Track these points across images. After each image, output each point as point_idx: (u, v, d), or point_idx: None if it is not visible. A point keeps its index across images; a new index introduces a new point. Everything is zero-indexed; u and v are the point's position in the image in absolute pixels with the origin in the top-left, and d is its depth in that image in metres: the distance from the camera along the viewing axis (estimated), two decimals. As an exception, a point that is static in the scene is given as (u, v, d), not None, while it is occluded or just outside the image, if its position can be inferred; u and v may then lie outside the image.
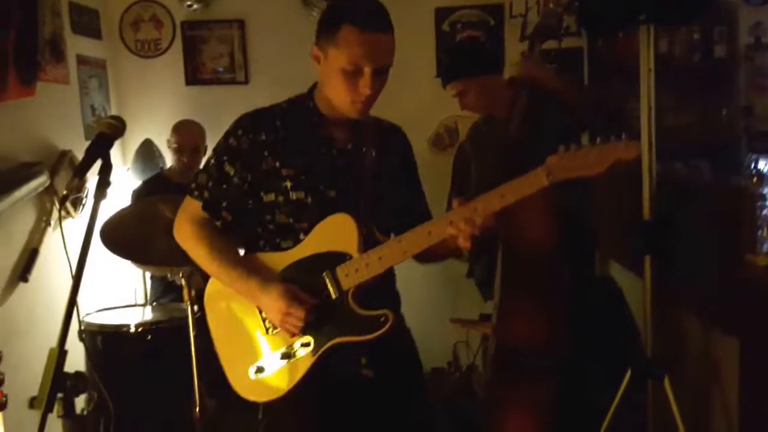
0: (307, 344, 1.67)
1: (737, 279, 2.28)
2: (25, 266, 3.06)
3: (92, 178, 1.57)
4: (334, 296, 1.67)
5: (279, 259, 1.74)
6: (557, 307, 2.46)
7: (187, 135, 3.48)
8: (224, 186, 1.74)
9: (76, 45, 3.59)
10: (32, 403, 1.22)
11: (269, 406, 1.72)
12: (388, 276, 1.81)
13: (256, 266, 1.73)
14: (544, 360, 2.44)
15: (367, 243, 1.67)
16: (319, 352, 1.66)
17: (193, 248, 1.76)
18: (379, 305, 1.66)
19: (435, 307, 3.68)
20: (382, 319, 1.63)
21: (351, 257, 1.66)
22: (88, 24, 3.74)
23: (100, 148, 1.51)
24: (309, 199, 1.71)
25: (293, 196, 1.71)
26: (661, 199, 2.40)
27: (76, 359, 1.58)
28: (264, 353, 1.71)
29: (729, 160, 3.28)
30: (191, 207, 1.77)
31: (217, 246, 1.73)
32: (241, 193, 1.74)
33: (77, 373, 1.29)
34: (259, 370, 1.70)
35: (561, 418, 2.45)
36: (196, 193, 1.76)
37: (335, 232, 1.69)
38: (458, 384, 3.49)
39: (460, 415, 3.14)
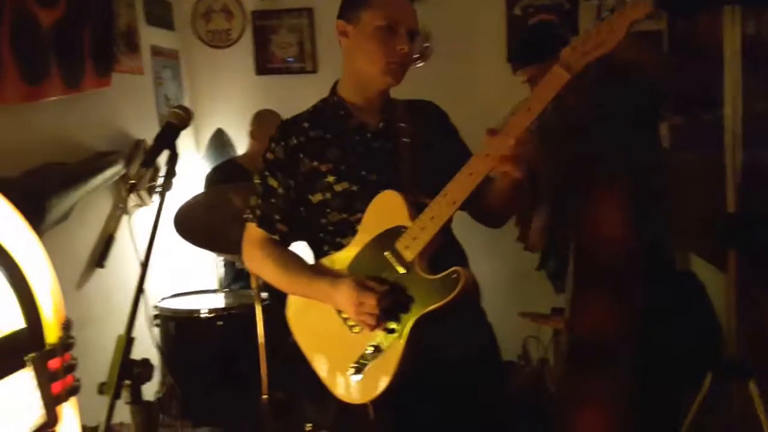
0: (392, 330, 1.62)
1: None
2: (101, 253, 3.16)
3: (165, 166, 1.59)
4: (401, 271, 1.63)
5: (343, 256, 1.73)
6: (633, 302, 2.36)
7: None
8: (272, 200, 1.76)
9: (150, 36, 3.67)
10: (101, 388, 1.23)
11: (377, 402, 1.66)
12: (455, 242, 1.79)
13: (324, 270, 1.74)
14: (619, 356, 2.36)
15: (418, 210, 1.64)
16: (405, 333, 1.60)
17: (262, 269, 1.79)
18: (448, 267, 1.60)
19: (504, 300, 3.58)
20: (454, 276, 1.56)
21: (406, 228, 1.63)
22: (161, 15, 3.82)
23: (167, 138, 1.52)
24: (355, 187, 1.70)
25: (338, 188, 1.70)
26: (746, 189, 2.27)
27: (146, 346, 1.59)
28: (355, 353, 1.67)
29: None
30: (250, 231, 1.80)
31: (282, 260, 1.75)
32: (290, 201, 1.75)
33: (144, 360, 1.29)
34: (356, 371, 1.66)
35: (636, 416, 2.36)
36: (250, 216, 1.79)
37: (384, 211, 1.67)
38: (529, 378, 3.41)
39: (531, 409, 3.07)
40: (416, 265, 1.61)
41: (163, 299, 3.07)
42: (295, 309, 1.83)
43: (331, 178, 1.71)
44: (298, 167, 1.73)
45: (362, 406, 1.66)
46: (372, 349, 1.64)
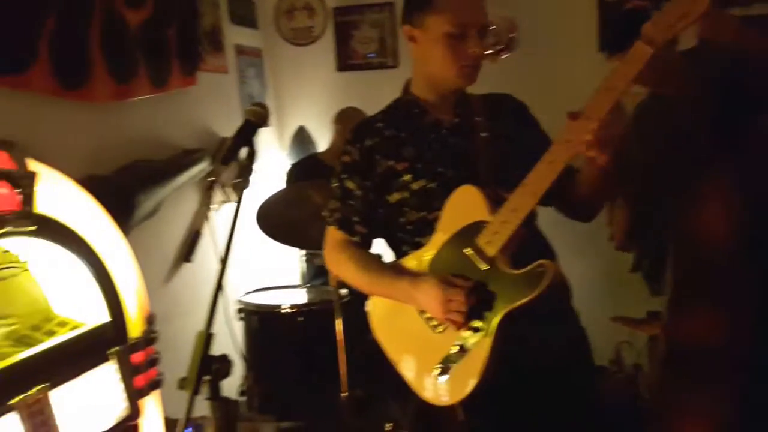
0: (477, 329, 1.57)
1: None
2: (188, 248, 3.23)
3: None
4: (484, 268, 1.57)
5: (422, 256, 1.69)
6: (740, 307, 2.16)
7: None
8: (350, 202, 1.75)
9: (234, 35, 3.72)
10: (181, 384, 1.24)
11: (466, 403, 1.61)
12: (538, 235, 1.73)
13: (404, 270, 1.71)
14: (723, 366, 2.19)
15: (498, 204, 1.57)
16: (492, 331, 1.54)
17: (344, 272, 1.78)
18: (533, 261, 1.53)
19: (597, 303, 3.43)
20: (540, 269, 1.49)
21: (486, 223, 1.57)
22: (245, 14, 3.86)
23: (246, 136, 1.51)
24: (432, 185, 1.66)
25: (415, 186, 1.67)
26: None
27: (225, 341, 1.60)
28: (440, 354, 1.63)
29: None
30: (330, 234, 1.80)
31: (362, 261, 1.74)
32: (368, 203, 1.73)
33: (223, 356, 1.29)
34: (442, 372, 1.62)
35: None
36: (330, 219, 1.79)
37: (462, 207, 1.62)
38: (622, 384, 3.27)
39: (624, 417, 2.94)
40: (499, 260, 1.55)
41: (246, 293, 3.11)
42: (376, 311, 1.80)
43: (407, 177, 1.68)
44: (375, 168, 1.71)
45: (450, 408, 1.61)
46: (457, 348, 1.59)
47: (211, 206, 3.43)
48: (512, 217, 1.53)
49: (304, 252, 3.62)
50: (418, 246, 1.71)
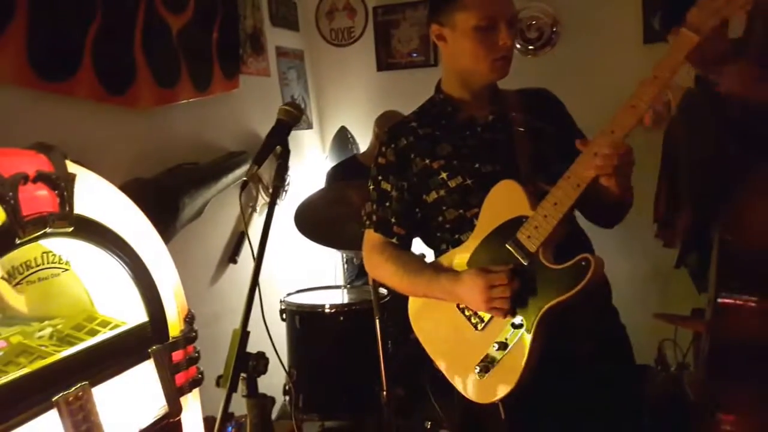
0: (519, 325, 1.55)
1: None
2: (233, 249, 3.28)
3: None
4: (525, 263, 1.55)
5: (461, 253, 1.68)
6: None
7: None
8: (387, 203, 1.75)
9: (275, 37, 3.76)
10: (218, 381, 1.26)
11: (508, 401, 1.61)
12: (578, 229, 1.72)
13: (443, 267, 1.71)
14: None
15: (538, 198, 1.56)
16: (534, 327, 1.53)
17: (383, 274, 1.79)
18: (574, 256, 1.51)
19: (640, 301, 3.38)
20: (584, 263, 1.47)
21: (527, 217, 1.55)
22: (286, 16, 3.90)
23: (279, 135, 1.53)
24: (469, 181, 1.66)
25: (452, 183, 1.67)
26: None
27: (264, 340, 1.62)
28: (481, 352, 1.62)
29: None
30: (369, 237, 1.81)
31: (401, 262, 1.74)
32: (405, 204, 1.74)
33: (259, 353, 1.31)
34: (483, 369, 1.60)
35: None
36: (367, 222, 1.81)
37: (502, 202, 1.60)
38: (666, 383, 3.19)
39: (668, 417, 2.87)
40: (540, 255, 1.54)
41: (288, 294, 3.14)
42: (416, 310, 1.80)
43: (444, 175, 1.68)
44: (411, 167, 1.72)
45: (492, 406, 1.60)
46: (498, 345, 1.57)
47: (256, 207, 3.48)
48: (554, 211, 1.51)
49: (344, 252, 3.64)
50: (457, 243, 1.71)
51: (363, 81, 4.16)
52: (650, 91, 1.44)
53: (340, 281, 3.80)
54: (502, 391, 1.56)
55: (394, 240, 1.76)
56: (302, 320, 2.97)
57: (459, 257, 1.68)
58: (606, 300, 1.74)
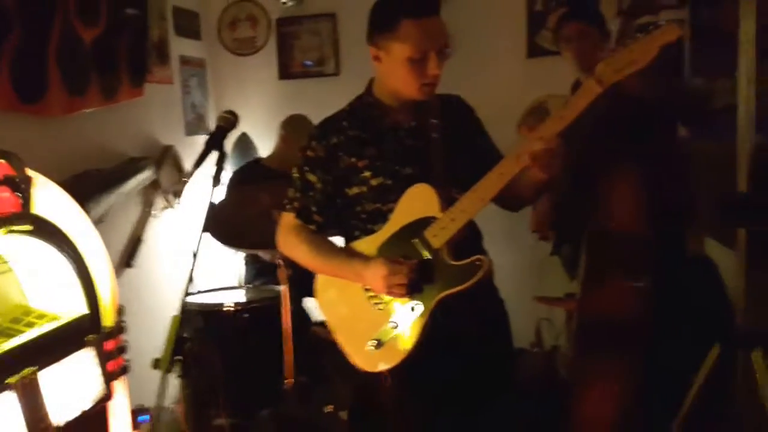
0: (414, 308, 1.80)
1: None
2: (130, 253, 3.36)
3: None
4: (428, 256, 1.80)
5: (373, 241, 1.90)
6: (643, 284, 2.45)
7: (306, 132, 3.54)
8: (310, 193, 1.94)
9: (179, 46, 3.86)
10: (156, 363, 1.42)
11: (394, 371, 1.84)
12: (475, 234, 1.96)
13: (355, 252, 1.92)
14: (629, 338, 2.46)
15: (449, 203, 1.80)
16: (428, 311, 1.78)
17: (297, 253, 1.97)
18: (468, 252, 1.78)
19: (521, 286, 3.52)
20: (478, 263, 1.74)
21: (435, 219, 1.80)
22: (189, 26, 3.99)
23: (217, 139, 1.70)
24: (389, 181, 1.88)
25: (374, 182, 1.88)
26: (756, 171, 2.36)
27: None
28: (377, 327, 1.86)
29: None
30: (287, 220, 1.99)
31: (315, 244, 1.94)
32: (326, 195, 1.93)
33: (193, 338, 1.47)
34: (377, 343, 1.84)
35: (645, 395, 2.47)
36: (288, 206, 1.98)
37: (416, 202, 1.84)
38: (540, 362, 3.49)
39: (543, 395, 3.14)
40: (442, 252, 1.79)
41: (187, 296, 3.21)
42: (323, 287, 2.02)
43: (367, 173, 1.89)
44: (338, 164, 1.91)
45: (380, 375, 1.85)
46: (393, 324, 1.82)
47: (152, 212, 3.55)
48: (460, 217, 1.77)
49: (244, 254, 3.77)
50: (370, 232, 1.93)
51: (265, 89, 4.28)
52: (555, 127, 1.68)
53: (236, 282, 3.90)
54: (391, 362, 1.82)
55: (312, 226, 1.95)
56: (205, 319, 3.07)
57: (370, 245, 1.90)
58: (493, 289, 2.01)
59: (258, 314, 3.04)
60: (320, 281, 2.02)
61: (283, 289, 2.71)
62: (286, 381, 2.67)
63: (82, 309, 1.44)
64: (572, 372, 2.80)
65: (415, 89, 1.83)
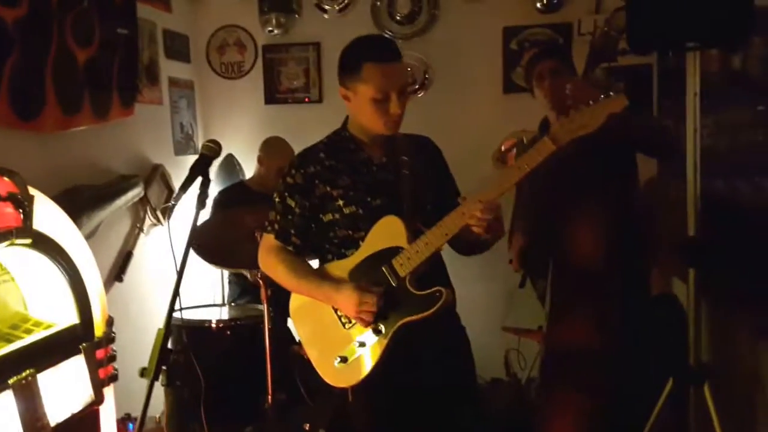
0: (379, 331, 1.94)
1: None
2: (120, 267, 3.43)
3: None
4: (394, 284, 1.95)
5: (345, 265, 2.05)
6: (606, 319, 2.60)
7: (284, 155, 3.57)
8: (289, 217, 2.08)
9: (168, 68, 3.96)
10: (142, 372, 1.50)
11: (356, 388, 1.99)
12: (440, 265, 2.10)
13: (327, 274, 2.07)
14: (592, 370, 2.59)
15: (416, 236, 1.96)
16: (390, 335, 1.93)
17: (275, 272, 2.11)
18: (432, 284, 1.92)
19: (489, 317, 3.71)
20: (437, 294, 1.89)
21: (402, 249, 1.95)
22: (179, 49, 4.11)
23: (201, 167, 1.82)
24: (360, 211, 2.03)
25: (347, 210, 2.04)
26: (713, 215, 2.49)
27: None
28: (344, 345, 2.00)
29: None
30: (267, 241, 2.13)
31: (293, 265, 2.08)
32: (304, 219, 2.07)
33: (179, 348, 1.55)
34: (343, 360, 1.99)
35: (606, 426, 2.59)
36: (269, 228, 2.12)
37: (386, 232, 1.99)
38: (509, 388, 3.58)
39: (515, 424, 3.24)
40: (407, 280, 1.94)
41: (173, 310, 3.27)
42: (298, 304, 2.15)
43: (341, 202, 2.03)
44: (314, 192, 2.05)
45: (343, 390, 1.99)
46: (359, 344, 1.97)
47: (143, 229, 3.63)
48: (425, 249, 1.93)
49: (228, 273, 3.83)
50: (342, 256, 2.07)
51: (250, 112, 4.39)
52: (514, 176, 1.85)
53: (218, 300, 3.97)
54: (354, 379, 1.96)
55: (290, 248, 2.08)
56: (188, 335, 3.13)
57: (342, 268, 2.04)
58: (454, 318, 2.14)
59: (241, 332, 3.10)
60: (295, 300, 2.15)
61: (264, 308, 2.78)
62: (268, 397, 2.73)
63: (74, 318, 1.52)
64: (539, 399, 2.93)
65: (380, 125, 2.00)
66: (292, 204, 2.06)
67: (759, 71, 2.63)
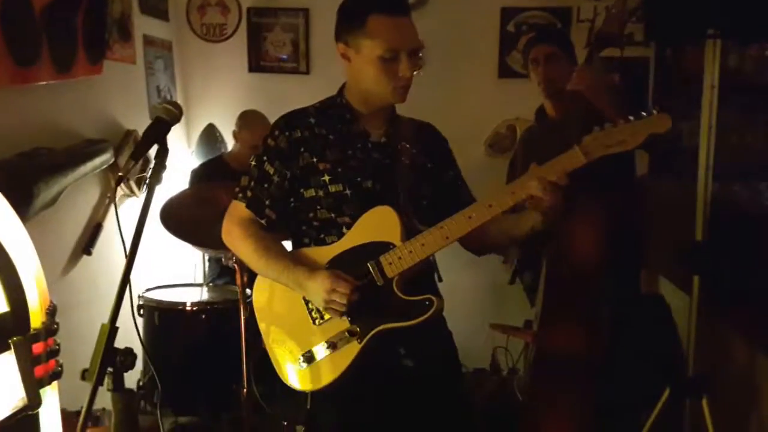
0: (353, 332, 1.68)
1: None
2: (88, 240, 3.16)
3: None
4: (379, 283, 1.68)
5: (324, 252, 1.76)
6: (598, 320, 2.52)
7: (259, 132, 3.39)
8: (266, 185, 1.78)
9: (144, 25, 3.65)
10: (84, 375, 1.23)
11: (316, 395, 1.74)
12: (430, 269, 1.84)
13: (302, 260, 1.77)
14: (583, 371, 2.49)
15: (409, 233, 1.69)
16: (366, 339, 1.67)
17: (241, 247, 1.80)
18: (423, 294, 1.67)
19: (477, 312, 3.66)
20: (427, 303, 1.64)
21: (394, 246, 1.68)
22: (155, 5, 3.80)
23: (157, 133, 1.52)
24: (348, 191, 1.74)
25: (332, 188, 1.74)
26: (715, 219, 2.39)
27: (130, 335, 1.60)
28: (311, 344, 1.73)
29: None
30: (237, 209, 1.82)
31: (263, 242, 1.77)
32: (283, 190, 1.77)
33: (127, 349, 1.29)
34: (307, 360, 1.72)
35: (596, 429, 2.51)
36: (240, 195, 1.81)
37: (378, 224, 1.71)
38: (497, 387, 3.47)
39: (499, 417, 3.11)
40: (394, 283, 1.67)
41: (147, 290, 3.06)
42: (261, 290, 1.86)
43: (327, 178, 1.74)
44: (298, 160, 1.76)
45: (302, 393, 1.74)
46: (328, 344, 1.70)
47: (114, 199, 3.35)
48: (419, 251, 1.66)
49: (209, 252, 3.60)
50: (320, 242, 1.78)
51: (233, 80, 4.13)
52: (533, 186, 1.60)
53: (199, 279, 3.76)
54: (317, 384, 1.71)
55: (263, 221, 1.79)
56: (161, 316, 2.92)
57: (320, 255, 1.76)
58: (438, 319, 1.84)
59: (217, 316, 2.90)
60: (259, 283, 1.86)
61: (239, 293, 2.53)
62: (243, 390, 2.50)
63: (2, 307, 1.23)
64: (526, 401, 2.84)
65: (387, 91, 1.73)
66: (271, 171, 1.77)
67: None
